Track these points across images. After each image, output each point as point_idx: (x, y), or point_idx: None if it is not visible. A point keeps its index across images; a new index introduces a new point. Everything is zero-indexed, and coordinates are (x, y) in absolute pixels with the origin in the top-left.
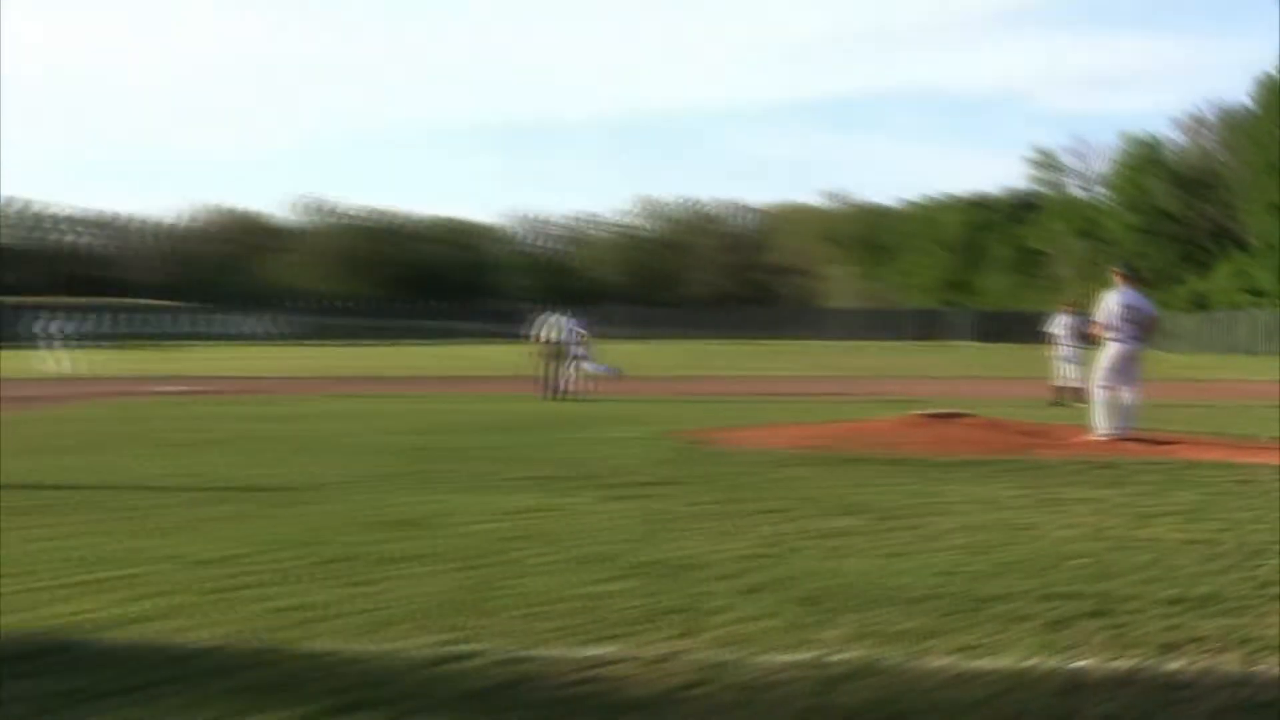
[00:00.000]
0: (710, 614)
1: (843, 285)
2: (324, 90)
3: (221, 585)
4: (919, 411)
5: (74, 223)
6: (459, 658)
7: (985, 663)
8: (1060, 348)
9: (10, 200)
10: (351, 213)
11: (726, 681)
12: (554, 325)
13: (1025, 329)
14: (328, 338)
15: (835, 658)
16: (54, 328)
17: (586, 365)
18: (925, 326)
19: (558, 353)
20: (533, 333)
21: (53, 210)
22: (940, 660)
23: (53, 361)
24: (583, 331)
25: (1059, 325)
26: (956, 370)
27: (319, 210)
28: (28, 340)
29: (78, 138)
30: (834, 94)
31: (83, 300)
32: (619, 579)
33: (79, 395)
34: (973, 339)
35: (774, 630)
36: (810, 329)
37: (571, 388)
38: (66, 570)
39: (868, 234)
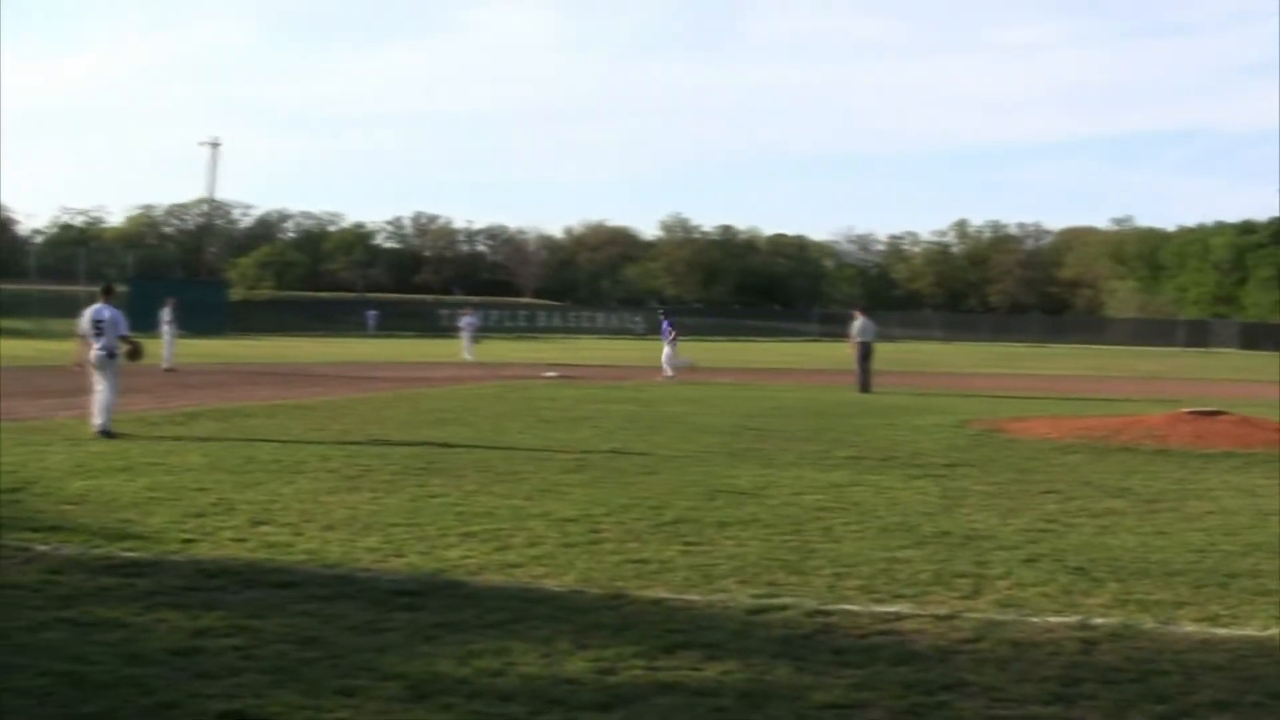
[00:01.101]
0: (992, 579)
1: (1124, 298)
2: (689, 124)
3: (579, 540)
4: (1185, 409)
5: (475, 234)
6: (774, 609)
7: (1229, 631)
8: None
9: (423, 215)
10: (706, 228)
11: (1002, 638)
12: (863, 328)
13: None
14: (681, 334)
15: (1098, 621)
16: (463, 321)
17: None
18: (1195, 335)
19: (867, 351)
20: (849, 333)
21: (459, 224)
22: (1190, 627)
23: (465, 349)
24: (672, 330)
25: None
26: (1221, 374)
27: (680, 226)
28: (442, 331)
29: (482, 164)
30: (1122, 132)
31: (479, 299)
32: (915, 546)
33: (476, 378)
34: (1237, 347)
35: (1046, 595)
36: (1094, 336)
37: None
38: (451, 522)
39: (1147, 253)
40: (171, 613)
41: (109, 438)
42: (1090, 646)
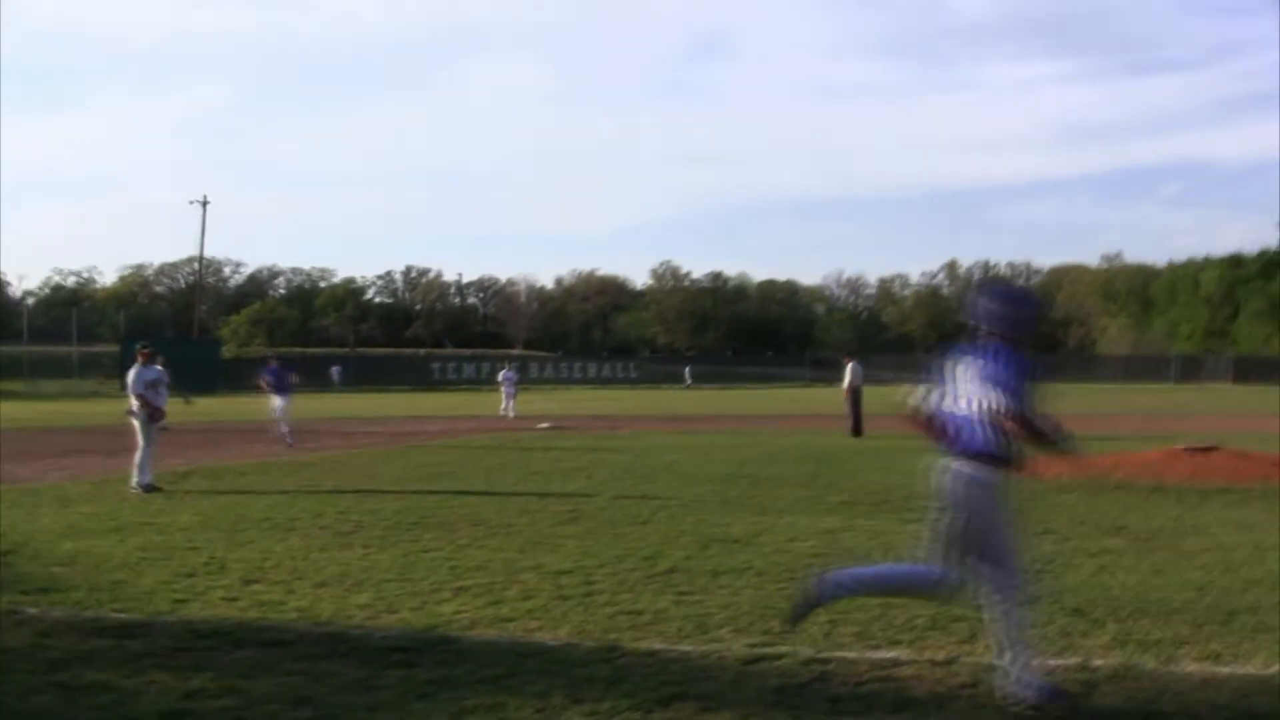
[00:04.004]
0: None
1: (1115, 335)
2: (677, 172)
3: (572, 592)
4: (1181, 445)
5: (466, 287)
6: (769, 658)
7: (1232, 669)
8: None
9: (414, 269)
10: (696, 275)
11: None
12: (855, 371)
13: (1277, 372)
14: (672, 382)
15: (1098, 662)
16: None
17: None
18: (1188, 370)
19: (856, 394)
20: (844, 378)
21: (449, 276)
22: (1191, 666)
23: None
24: (295, 379)
25: None
26: (1215, 409)
27: (670, 273)
28: (433, 383)
29: (471, 216)
30: (1111, 169)
31: (470, 352)
32: None
33: (468, 430)
34: (1230, 381)
35: (1045, 637)
36: (1086, 373)
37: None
38: (444, 577)
39: (1138, 289)
40: (162, 674)
41: (147, 492)
42: (1090, 688)
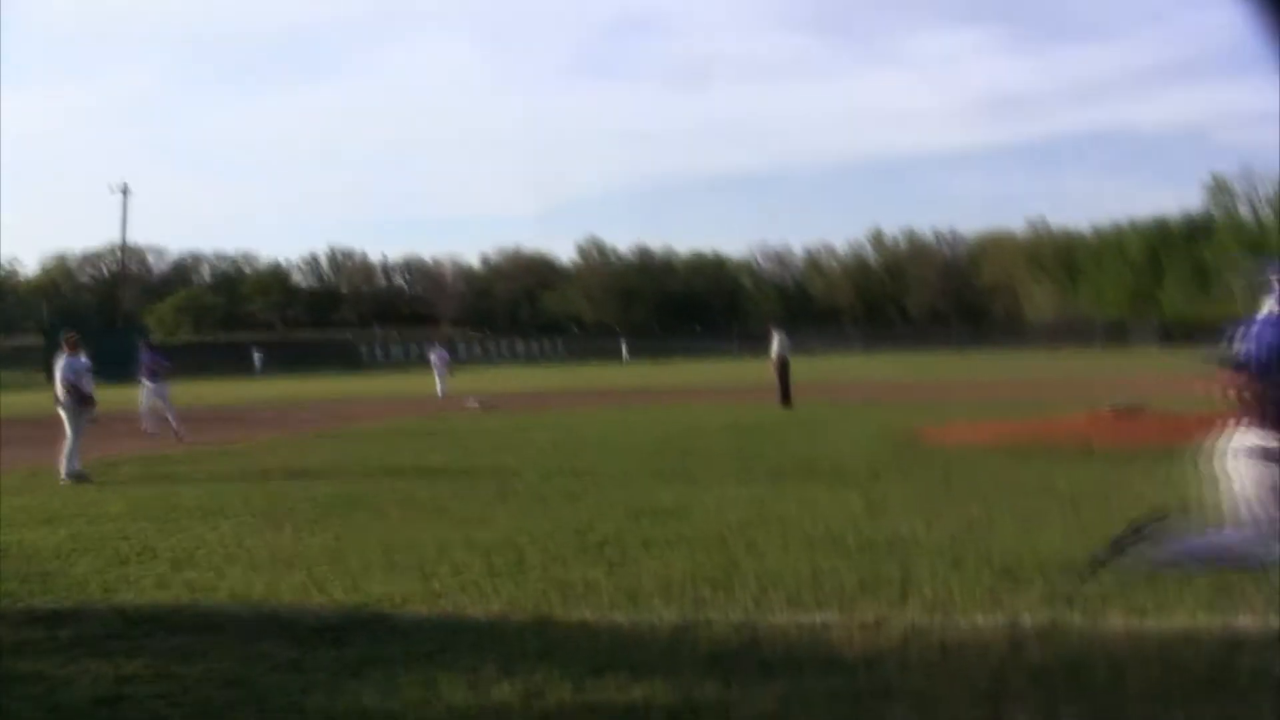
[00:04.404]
0: (918, 584)
1: (1041, 302)
2: (606, 149)
3: (503, 567)
4: (1106, 409)
5: (393, 267)
6: (700, 625)
7: (1156, 622)
8: None
9: (339, 251)
10: (623, 250)
11: (930, 642)
12: (782, 342)
13: (1202, 336)
14: (603, 358)
15: (1027, 619)
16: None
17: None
18: (1114, 336)
19: (784, 364)
20: (771, 349)
21: (374, 257)
22: (1118, 620)
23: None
24: (166, 365)
25: None
26: (1141, 373)
27: (596, 249)
28: (362, 366)
29: (401, 197)
30: (1037, 136)
31: (398, 333)
32: (840, 556)
33: (398, 412)
34: (1156, 345)
35: (973, 597)
36: (1014, 340)
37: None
38: (375, 556)
39: (1063, 256)
40: (95, 661)
41: (77, 482)
42: (1019, 645)
